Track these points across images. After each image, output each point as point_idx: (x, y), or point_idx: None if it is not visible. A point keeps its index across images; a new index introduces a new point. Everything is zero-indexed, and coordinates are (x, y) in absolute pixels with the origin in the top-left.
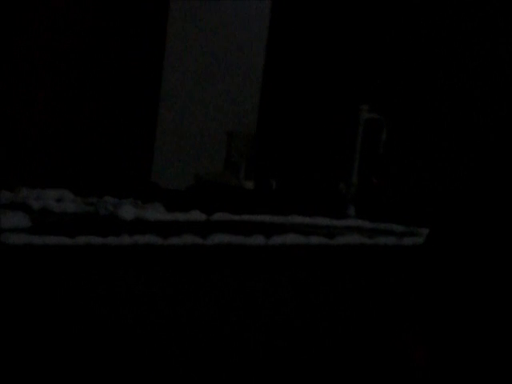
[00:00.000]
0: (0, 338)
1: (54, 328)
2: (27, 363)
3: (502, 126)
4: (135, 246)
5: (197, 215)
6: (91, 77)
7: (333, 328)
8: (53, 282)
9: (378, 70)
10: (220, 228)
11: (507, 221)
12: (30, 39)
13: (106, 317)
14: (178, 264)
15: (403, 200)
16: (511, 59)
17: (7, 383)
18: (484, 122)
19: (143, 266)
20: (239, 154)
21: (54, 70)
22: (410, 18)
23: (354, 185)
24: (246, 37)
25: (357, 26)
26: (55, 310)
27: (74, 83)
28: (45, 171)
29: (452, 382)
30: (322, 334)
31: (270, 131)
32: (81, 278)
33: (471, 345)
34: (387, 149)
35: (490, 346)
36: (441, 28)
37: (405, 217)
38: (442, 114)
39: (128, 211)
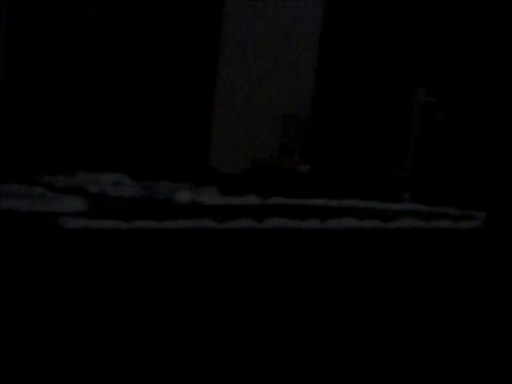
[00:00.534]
0: (61, 317)
1: (109, 309)
2: (89, 341)
3: None
4: (191, 230)
5: (252, 199)
6: (149, 62)
7: (389, 310)
8: (110, 265)
9: (435, 54)
10: (275, 212)
11: None
12: (99, 33)
13: (163, 298)
14: (233, 248)
15: (459, 184)
16: None
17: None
18: None
19: (199, 250)
20: (295, 137)
21: (114, 59)
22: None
23: (410, 168)
24: (301, 21)
25: (412, 8)
26: (112, 292)
27: (133, 69)
28: (102, 156)
29: None
30: (380, 316)
31: (326, 114)
32: (137, 262)
33: None
34: (443, 132)
35: None
36: (503, 8)
37: (461, 200)
38: (500, 97)
39: (184, 195)
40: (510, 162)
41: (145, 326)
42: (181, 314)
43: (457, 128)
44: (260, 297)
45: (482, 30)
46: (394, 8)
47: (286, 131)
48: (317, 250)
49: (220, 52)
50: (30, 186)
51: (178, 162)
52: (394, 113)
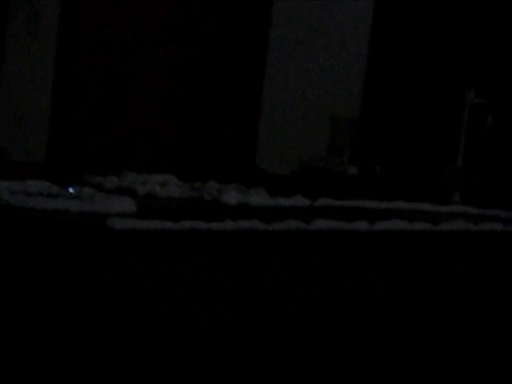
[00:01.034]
0: (105, 320)
1: (156, 309)
2: (130, 340)
3: None
4: (239, 231)
5: (300, 201)
6: (197, 64)
7: (437, 313)
8: (158, 266)
9: (485, 55)
10: (323, 214)
11: None
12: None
13: (209, 299)
14: (281, 249)
15: (509, 186)
16: None
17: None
18: None
19: (247, 251)
20: (343, 139)
21: (163, 63)
22: None
23: (459, 170)
24: (351, 21)
25: (463, 10)
26: (160, 293)
27: (181, 70)
28: (150, 157)
29: None
30: (426, 318)
31: (374, 116)
32: (185, 263)
33: None
34: (493, 134)
35: None
36: None
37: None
38: None
39: (231, 196)
40: None
41: (189, 323)
42: (223, 314)
43: (506, 130)
44: (306, 296)
45: None
46: (444, 10)
47: (334, 133)
48: (365, 251)
49: (268, 53)
50: (79, 187)
51: (225, 163)
52: (443, 114)
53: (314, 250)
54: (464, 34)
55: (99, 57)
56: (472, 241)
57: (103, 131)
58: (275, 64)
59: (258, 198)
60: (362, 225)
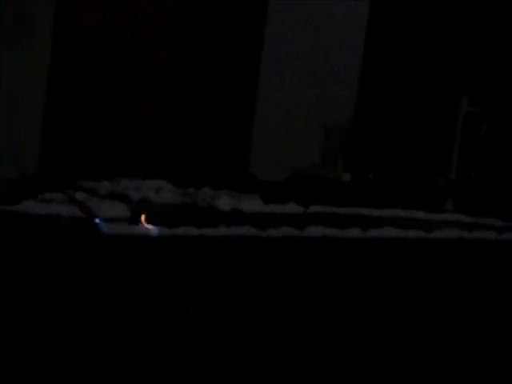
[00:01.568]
0: (98, 323)
1: (149, 314)
2: (132, 343)
3: None
4: (232, 237)
5: (294, 207)
6: (191, 71)
7: (430, 319)
8: (150, 271)
9: (478, 64)
10: (317, 220)
11: None
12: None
13: (201, 304)
14: (274, 255)
15: (502, 194)
16: None
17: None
18: None
19: (240, 257)
20: (336, 146)
21: (157, 68)
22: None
23: (453, 178)
24: (344, 31)
25: (456, 18)
26: (151, 298)
27: (175, 77)
28: (144, 163)
29: None
30: (419, 324)
31: (367, 124)
32: (178, 268)
33: None
34: (485, 142)
35: None
36: None
37: (504, 211)
38: None
39: (225, 202)
40: None
41: (181, 328)
42: (221, 319)
43: (499, 138)
44: (299, 302)
45: None
46: (439, 18)
47: (328, 140)
48: (358, 258)
49: (262, 61)
50: (73, 192)
51: (219, 170)
52: (437, 122)
53: (307, 256)
54: (458, 44)
55: (94, 58)
56: (465, 249)
57: (96, 135)
58: (269, 72)
59: (252, 204)
60: (355, 232)
